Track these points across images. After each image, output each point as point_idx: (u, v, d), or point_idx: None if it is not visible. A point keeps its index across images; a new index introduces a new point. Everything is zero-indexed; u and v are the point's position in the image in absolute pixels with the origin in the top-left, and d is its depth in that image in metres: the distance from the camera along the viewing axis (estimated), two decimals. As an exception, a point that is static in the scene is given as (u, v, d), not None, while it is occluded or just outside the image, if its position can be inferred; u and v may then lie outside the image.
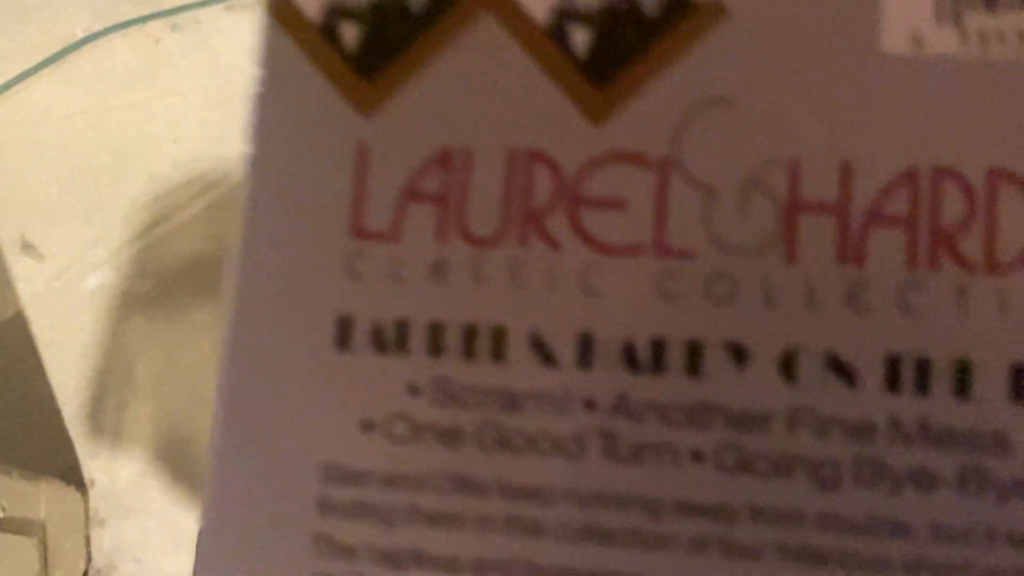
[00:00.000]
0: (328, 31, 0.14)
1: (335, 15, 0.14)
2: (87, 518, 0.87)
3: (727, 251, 0.13)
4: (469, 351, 0.14)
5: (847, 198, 0.13)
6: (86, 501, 0.87)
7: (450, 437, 0.14)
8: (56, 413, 0.88)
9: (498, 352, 0.14)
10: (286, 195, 0.15)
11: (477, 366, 0.14)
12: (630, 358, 0.13)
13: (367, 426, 0.14)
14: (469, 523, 0.13)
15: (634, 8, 0.13)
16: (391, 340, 0.14)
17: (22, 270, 0.90)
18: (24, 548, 0.76)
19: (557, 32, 0.13)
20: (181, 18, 0.96)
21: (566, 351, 0.14)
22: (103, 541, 0.86)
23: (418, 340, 0.14)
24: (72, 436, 0.88)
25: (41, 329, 0.90)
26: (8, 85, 0.93)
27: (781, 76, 0.13)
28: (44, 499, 0.81)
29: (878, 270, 0.13)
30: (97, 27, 0.95)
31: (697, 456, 0.13)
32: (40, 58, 0.93)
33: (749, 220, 0.13)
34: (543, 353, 0.14)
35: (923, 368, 0.13)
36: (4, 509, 0.73)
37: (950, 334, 0.13)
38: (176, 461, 0.88)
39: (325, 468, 0.14)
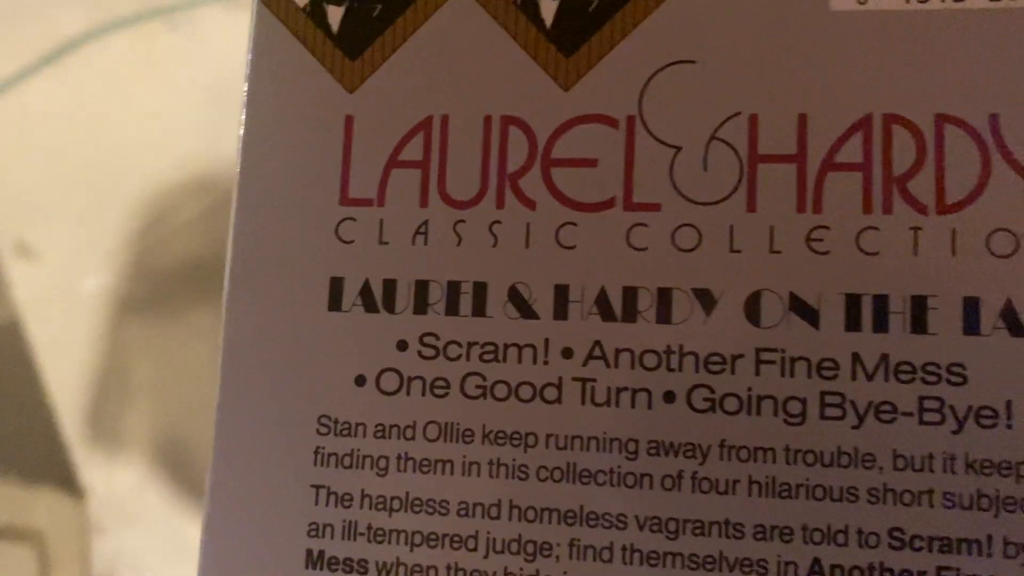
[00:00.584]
0: (315, 14, 0.16)
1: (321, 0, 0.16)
2: (86, 526, 0.88)
3: (691, 203, 0.15)
4: (452, 307, 0.15)
5: (803, 149, 0.15)
6: (84, 509, 0.88)
7: (437, 388, 0.15)
8: (53, 419, 0.89)
9: (480, 307, 0.15)
10: (279, 168, 0.16)
11: (460, 321, 0.15)
12: (604, 307, 0.15)
13: (359, 380, 0.16)
14: (456, 468, 0.15)
15: None
16: (380, 299, 0.15)
17: (18, 273, 0.92)
18: (22, 557, 0.77)
19: (527, 5, 0.15)
20: (179, 17, 0.98)
21: (543, 304, 0.15)
22: (102, 549, 0.87)
23: (405, 298, 0.16)
24: (70, 442, 0.89)
25: (37, 332, 0.91)
26: (4, 85, 0.95)
27: (738, 38, 0.14)
28: (42, 507, 0.82)
29: (835, 215, 0.15)
30: (94, 27, 0.96)
31: (669, 397, 0.15)
32: (36, 58, 0.95)
33: (711, 174, 0.15)
34: (522, 306, 0.15)
35: (881, 306, 0.14)
36: (1, 518, 0.74)
37: (905, 273, 0.14)
38: (176, 467, 0.89)
39: (321, 421, 0.16)
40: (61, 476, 0.84)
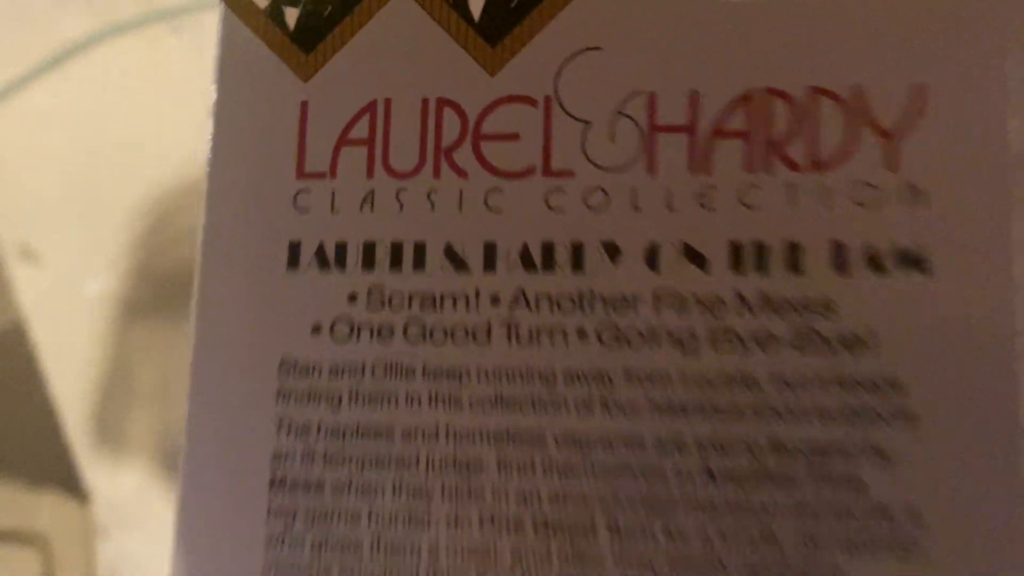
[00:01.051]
0: (274, 15, 0.20)
1: (279, 2, 0.20)
2: (90, 529, 0.89)
3: (600, 169, 0.18)
4: (396, 263, 0.18)
5: (695, 119, 0.18)
6: (88, 512, 0.89)
7: (383, 333, 0.18)
8: (56, 422, 0.90)
9: (419, 263, 0.18)
10: (244, 150, 0.20)
11: (403, 275, 0.18)
12: (526, 260, 0.18)
13: (316, 328, 0.19)
14: (400, 401, 0.18)
15: None
16: (332, 259, 0.18)
17: (21, 276, 0.94)
18: (27, 560, 0.79)
19: (458, 2, 0.18)
20: (183, 21, 0.99)
21: (474, 258, 0.18)
22: (106, 553, 0.88)
23: (354, 257, 0.19)
24: (74, 446, 0.90)
25: (41, 336, 0.92)
26: (8, 88, 0.97)
27: (637, 27, 0.17)
28: (46, 510, 0.84)
29: (722, 175, 0.18)
30: (98, 30, 0.98)
31: (582, 334, 0.18)
32: (41, 61, 0.97)
33: (617, 143, 0.18)
34: (456, 261, 0.18)
35: (761, 251, 0.17)
36: (5, 521, 0.77)
37: (782, 223, 0.17)
38: (179, 471, 0.90)
39: (282, 364, 0.19)
40: (65, 480, 0.85)
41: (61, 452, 0.87)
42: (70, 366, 0.88)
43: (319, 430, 0.19)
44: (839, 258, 0.17)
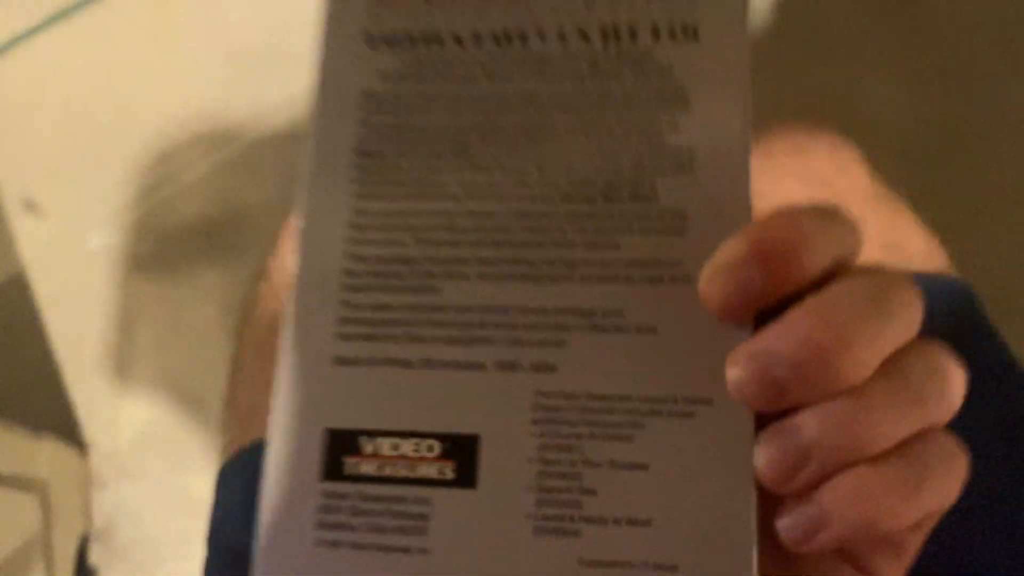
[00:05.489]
0: None
1: None
2: (88, 479, 0.88)
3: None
4: None
5: None
6: (87, 462, 0.89)
7: None
8: (57, 373, 0.90)
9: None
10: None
11: None
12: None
13: None
14: None
15: None
16: None
17: (24, 229, 0.92)
18: (26, 506, 0.78)
19: None
20: None
21: None
22: (103, 502, 0.88)
23: None
24: (73, 397, 0.90)
25: (43, 288, 0.91)
26: (14, 41, 0.95)
27: None
28: (46, 458, 0.83)
29: None
30: None
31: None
32: (47, 15, 0.95)
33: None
34: None
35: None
36: (6, 466, 0.76)
37: None
38: (178, 424, 0.90)
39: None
40: (64, 429, 0.84)
41: (60, 402, 0.86)
42: (71, 317, 0.87)
43: None
44: None
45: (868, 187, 0.42)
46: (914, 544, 0.22)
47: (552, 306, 0.22)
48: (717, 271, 0.20)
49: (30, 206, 0.92)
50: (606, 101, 0.23)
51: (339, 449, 0.22)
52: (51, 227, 0.93)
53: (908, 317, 0.20)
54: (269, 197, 0.91)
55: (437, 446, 0.22)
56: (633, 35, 0.23)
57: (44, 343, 0.91)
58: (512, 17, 0.24)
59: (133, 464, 0.88)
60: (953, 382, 0.21)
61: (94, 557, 0.86)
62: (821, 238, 0.20)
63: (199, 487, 0.44)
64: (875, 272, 0.21)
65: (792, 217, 0.20)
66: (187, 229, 0.93)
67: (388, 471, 0.22)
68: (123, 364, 0.91)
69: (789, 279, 0.20)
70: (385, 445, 0.22)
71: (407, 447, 0.22)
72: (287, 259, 0.43)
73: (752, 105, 0.23)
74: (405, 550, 0.21)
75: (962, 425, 0.36)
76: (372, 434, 0.22)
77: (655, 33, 0.23)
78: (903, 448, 0.20)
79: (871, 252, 0.40)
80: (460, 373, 0.22)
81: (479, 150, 0.23)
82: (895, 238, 0.41)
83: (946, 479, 0.20)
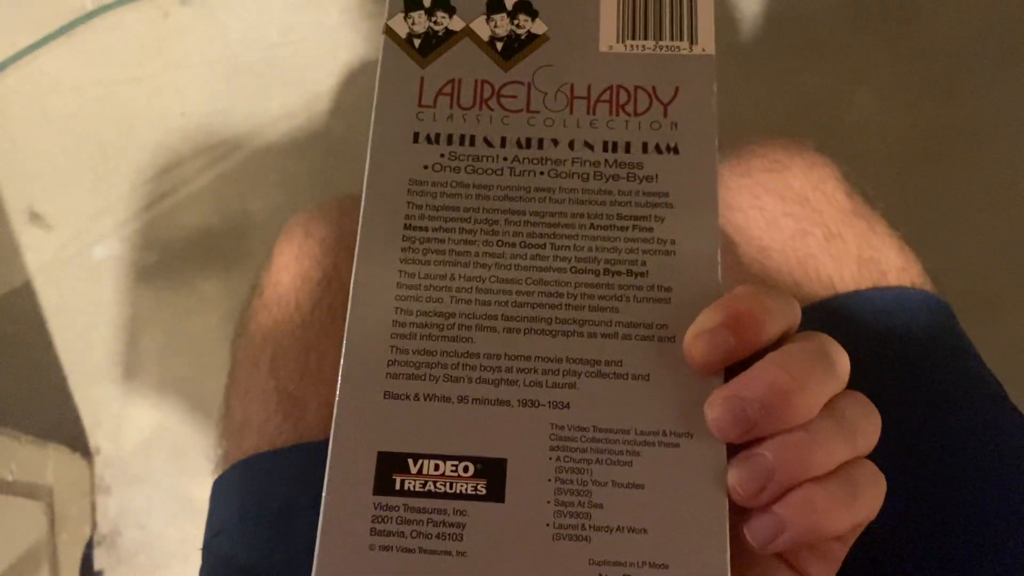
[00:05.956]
0: (408, 39, 0.31)
1: (410, 35, 0.31)
2: (93, 484, 0.89)
3: (548, 109, 0.29)
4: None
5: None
6: (92, 468, 0.89)
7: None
8: (63, 381, 0.90)
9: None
10: (390, 101, 0.30)
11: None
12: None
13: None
14: None
15: (517, 35, 0.31)
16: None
17: (30, 240, 0.93)
18: (32, 512, 0.79)
19: (492, 42, 0.31)
20: None
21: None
22: (108, 507, 0.88)
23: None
24: (78, 403, 0.90)
25: (48, 298, 0.92)
26: (17, 56, 0.96)
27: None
28: (51, 465, 0.83)
29: None
30: (107, 0, 0.97)
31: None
32: (50, 30, 0.96)
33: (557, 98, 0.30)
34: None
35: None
36: (13, 473, 0.76)
37: None
38: (181, 430, 0.90)
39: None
40: (70, 436, 0.85)
41: (66, 410, 0.87)
42: (76, 327, 0.87)
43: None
44: None
45: (844, 203, 0.42)
46: (841, 553, 0.27)
47: (565, 355, 0.27)
48: (698, 335, 0.25)
49: (36, 217, 0.93)
50: (606, 197, 0.28)
51: (389, 468, 0.26)
52: (57, 238, 0.94)
53: (841, 369, 0.25)
54: (269, 208, 0.92)
55: (472, 467, 0.26)
56: (628, 148, 0.29)
57: (50, 351, 0.91)
58: (532, 128, 0.29)
59: (138, 469, 0.89)
60: (876, 422, 0.26)
61: (99, 562, 0.86)
62: (776, 311, 0.25)
63: (203, 492, 0.45)
64: (815, 336, 0.26)
65: (755, 294, 0.25)
66: (189, 239, 0.93)
67: (431, 487, 0.26)
68: (127, 371, 0.91)
69: (753, 341, 0.25)
70: (428, 466, 0.26)
71: (447, 467, 0.26)
72: (280, 276, 0.44)
73: (719, 205, 0.29)
74: (446, 553, 0.25)
75: (936, 438, 0.37)
76: (417, 456, 0.26)
77: (644, 148, 0.29)
78: (840, 471, 0.25)
79: (848, 267, 0.41)
80: (490, 408, 0.27)
81: (504, 228, 0.28)
82: (871, 253, 0.41)
83: (872, 496, 0.25)
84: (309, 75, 0.95)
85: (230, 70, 0.97)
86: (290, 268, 0.43)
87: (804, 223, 0.42)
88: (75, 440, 0.87)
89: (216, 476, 0.41)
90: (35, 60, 0.97)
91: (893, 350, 0.38)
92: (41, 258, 0.93)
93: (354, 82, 0.94)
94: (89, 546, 0.86)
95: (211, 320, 0.91)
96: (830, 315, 0.39)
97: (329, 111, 0.93)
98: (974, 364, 0.39)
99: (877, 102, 0.89)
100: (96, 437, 0.88)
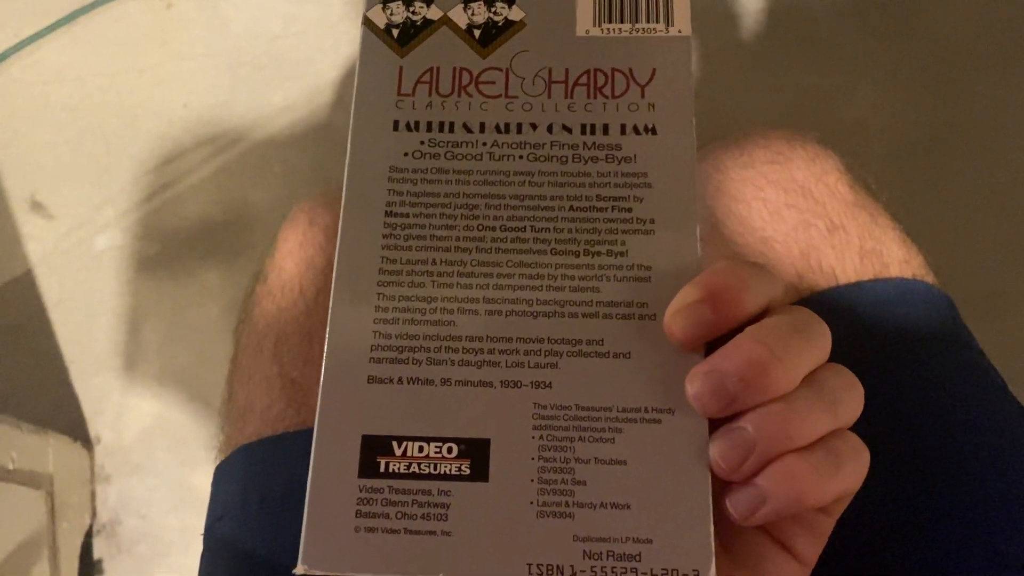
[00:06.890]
0: (387, 30, 0.31)
1: (389, 25, 0.31)
2: (93, 473, 0.89)
3: (526, 94, 0.30)
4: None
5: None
6: (92, 457, 0.89)
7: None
8: (64, 370, 0.90)
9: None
10: (370, 90, 0.30)
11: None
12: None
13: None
14: None
15: (494, 22, 0.31)
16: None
17: (31, 229, 0.93)
18: (32, 500, 0.79)
19: (469, 30, 0.31)
20: None
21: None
22: (108, 496, 0.88)
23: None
24: (79, 393, 0.90)
25: (50, 288, 0.92)
26: (20, 46, 0.96)
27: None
28: (52, 453, 0.83)
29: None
30: None
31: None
32: (52, 20, 0.96)
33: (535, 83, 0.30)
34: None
35: None
36: (14, 461, 0.76)
37: None
38: (182, 420, 0.90)
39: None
40: (70, 425, 0.85)
41: (67, 399, 0.86)
42: (77, 316, 0.87)
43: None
44: None
45: (847, 195, 0.42)
46: (827, 527, 0.26)
47: (547, 336, 0.27)
48: (677, 311, 0.25)
49: (38, 207, 0.93)
50: (585, 179, 0.29)
51: (374, 451, 0.26)
52: (58, 228, 0.94)
53: (823, 342, 0.25)
54: (270, 199, 0.92)
55: (455, 448, 0.26)
56: (606, 130, 0.29)
57: (51, 340, 0.91)
58: (510, 113, 0.30)
59: (138, 459, 0.89)
60: (858, 393, 0.25)
61: (99, 551, 0.86)
62: (755, 285, 0.25)
63: (203, 481, 0.45)
64: (795, 309, 0.26)
65: (733, 268, 0.25)
66: (191, 230, 0.93)
67: (415, 469, 0.26)
68: (128, 361, 0.91)
69: (732, 316, 0.25)
70: (412, 448, 0.26)
71: (431, 449, 0.26)
72: (284, 262, 0.44)
73: (699, 183, 0.28)
74: (431, 533, 0.25)
75: (936, 428, 0.37)
76: (401, 439, 0.26)
77: (623, 130, 0.29)
78: (822, 442, 0.24)
79: (850, 259, 0.41)
80: (473, 389, 0.27)
81: (485, 213, 0.28)
82: (873, 245, 0.41)
83: (855, 467, 0.25)
84: (311, 67, 0.95)
85: (232, 62, 0.97)
86: (294, 255, 0.43)
87: (807, 215, 0.41)
88: (76, 429, 0.87)
89: (219, 461, 0.41)
90: (38, 50, 0.97)
91: (894, 341, 0.38)
92: (43, 248, 0.92)
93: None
94: (89, 535, 0.86)
95: (212, 311, 0.91)
96: (832, 306, 0.39)
97: (331, 103, 0.92)
98: (975, 355, 0.39)
99: (878, 99, 0.89)
100: (97, 426, 0.88)
